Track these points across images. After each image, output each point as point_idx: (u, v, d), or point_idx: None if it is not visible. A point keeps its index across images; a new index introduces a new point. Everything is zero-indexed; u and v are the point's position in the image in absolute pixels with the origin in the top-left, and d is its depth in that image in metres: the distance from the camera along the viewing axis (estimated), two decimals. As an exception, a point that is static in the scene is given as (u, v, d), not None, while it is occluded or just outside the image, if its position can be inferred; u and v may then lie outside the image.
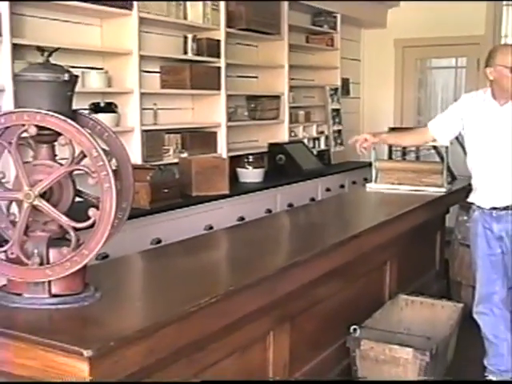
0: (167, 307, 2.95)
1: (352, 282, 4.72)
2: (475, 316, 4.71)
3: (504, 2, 9.43)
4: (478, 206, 4.60)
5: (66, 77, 2.69)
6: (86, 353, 2.29)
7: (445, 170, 6.06)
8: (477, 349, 4.77)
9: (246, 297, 3.23)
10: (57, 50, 2.93)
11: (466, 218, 6.01)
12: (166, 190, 5.49)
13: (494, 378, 4.67)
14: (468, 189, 4.89)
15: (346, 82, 9.77)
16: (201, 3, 6.51)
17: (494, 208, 4.48)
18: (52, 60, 2.89)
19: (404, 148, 8.16)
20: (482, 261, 4.62)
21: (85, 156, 2.64)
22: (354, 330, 4.44)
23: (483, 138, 4.52)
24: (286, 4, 7.72)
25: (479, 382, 4.61)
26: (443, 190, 6.00)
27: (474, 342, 4.77)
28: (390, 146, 7.85)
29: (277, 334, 3.79)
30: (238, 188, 6.54)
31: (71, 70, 4.95)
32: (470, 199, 4.75)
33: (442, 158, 6.30)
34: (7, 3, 4.67)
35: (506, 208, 4.44)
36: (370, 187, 6.30)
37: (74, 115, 2.72)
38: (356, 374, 4.42)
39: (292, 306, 3.88)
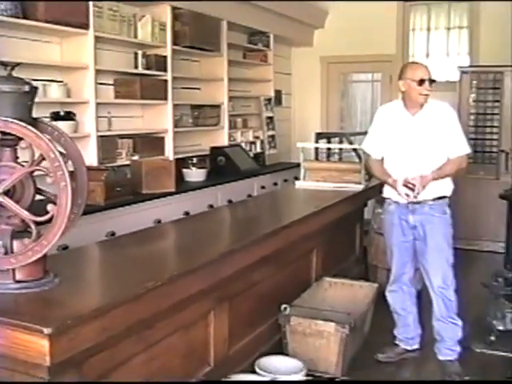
0: (119, 290, 2.94)
1: (283, 267, 4.73)
2: (387, 294, 4.80)
3: (411, 27, 9.61)
4: (395, 201, 4.59)
5: (27, 88, 2.67)
6: (46, 330, 2.29)
7: (362, 170, 6.10)
8: (388, 321, 4.83)
9: (189, 280, 3.23)
10: (18, 64, 2.89)
11: (380, 210, 6.08)
12: (118, 189, 5.42)
13: (402, 345, 4.79)
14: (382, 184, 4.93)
15: (278, 93, 9.75)
16: (150, 24, 6.47)
17: (410, 202, 4.48)
18: (16, 74, 2.86)
19: (329, 149, 8.18)
20: (398, 247, 4.66)
21: (43, 158, 2.62)
22: (285, 308, 4.46)
23: (399, 144, 4.53)
24: (224, 24, 7.69)
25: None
26: (361, 186, 6.06)
27: (386, 316, 4.83)
28: (317, 148, 7.87)
29: (217, 313, 3.80)
30: (183, 186, 6.49)
31: (34, 82, 4.91)
32: (386, 194, 4.73)
33: (360, 159, 6.37)
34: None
35: (420, 202, 4.46)
36: (299, 184, 6.33)
37: (34, 122, 2.70)
38: (287, 346, 4.43)
39: (230, 289, 3.89)
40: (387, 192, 4.72)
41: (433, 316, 4.63)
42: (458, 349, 4.60)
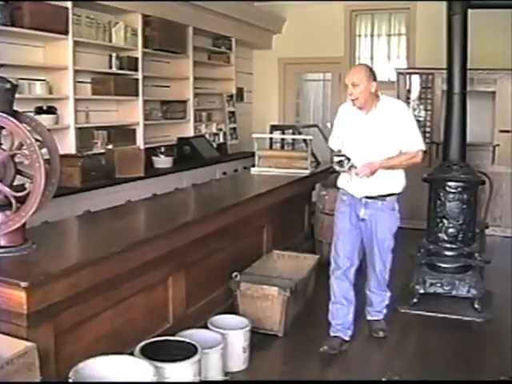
0: (86, 254, 3.18)
1: (236, 240, 4.88)
2: (332, 281, 4.48)
3: (357, 33, 9.83)
4: (350, 194, 4.37)
5: (8, 86, 2.87)
6: (23, 284, 2.53)
7: (309, 157, 6.31)
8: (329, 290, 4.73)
9: (146, 248, 3.44)
10: (2, 66, 3.10)
11: (325, 192, 6.28)
12: (94, 173, 5.60)
13: (340, 335, 4.42)
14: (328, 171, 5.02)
15: (240, 91, 9.90)
16: (123, 30, 6.63)
17: (365, 197, 4.31)
18: (4, 74, 3.06)
19: (283, 140, 8.31)
20: (345, 234, 4.41)
21: (22, 144, 2.84)
22: (236, 275, 4.61)
23: (355, 141, 4.30)
24: (190, 30, 7.86)
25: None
26: (308, 171, 6.27)
27: (327, 283, 4.67)
28: (271, 139, 8.03)
29: (175, 278, 3.98)
30: (152, 172, 6.65)
31: (20, 81, 5.16)
32: (340, 185, 4.48)
33: (307, 147, 6.55)
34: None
35: (374, 197, 4.30)
36: (254, 171, 6.51)
37: (14, 114, 2.90)
38: (238, 308, 4.58)
39: (187, 257, 4.06)
40: (341, 183, 4.47)
41: (366, 286, 4.66)
42: (385, 311, 4.71)
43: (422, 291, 5.17)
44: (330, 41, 9.59)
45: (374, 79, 4.17)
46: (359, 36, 9.85)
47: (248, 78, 10.29)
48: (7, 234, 2.88)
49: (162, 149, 7.23)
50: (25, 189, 2.81)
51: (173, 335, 3.63)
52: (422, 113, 8.41)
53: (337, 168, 4.30)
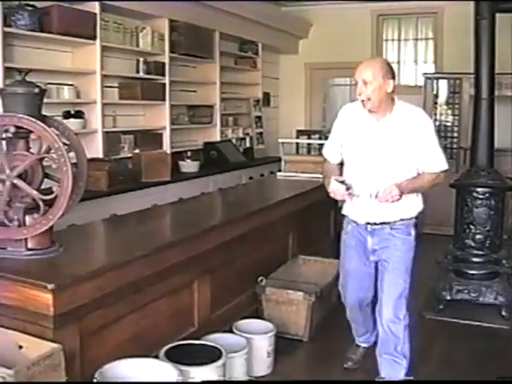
0: (112, 257, 3.21)
1: (262, 244, 4.84)
2: (347, 312, 4.06)
3: (384, 37, 9.80)
4: (353, 220, 3.70)
5: (37, 90, 2.91)
6: (50, 286, 2.56)
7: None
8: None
9: (171, 252, 3.46)
10: (31, 70, 3.14)
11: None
12: (120, 177, 5.66)
13: (363, 345, 4.20)
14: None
15: (267, 95, 9.91)
16: (150, 35, 6.68)
17: (369, 223, 3.62)
18: (33, 78, 3.11)
19: (309, 145, 8.26)
20: (353, 274, 3.83)
21: (50, 148, 2.88)
22: (261, 280, 4.60)
23: (360, 152, 3.57)
24: (217, 35, 7.91)
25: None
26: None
27: None
28: (297, 143, 8.03)
29: (200, 282, 3.96)
30: (178, 176, 6.67)
31: (49, 86, 5.23)
32: (344, 211, 3.81)
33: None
34: (0, 38, 4.87)
35: (381, 223, 3.60)
36: (280, 175, 6.51)
37: (42, 118, 2.94)
38: (263, 312, 4.58)
39: (212, 262, 4.04)
40: (346, 209, 3.80)
41: (376, 349, 3.86)
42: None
43: (448, 298, 5.13)
44: (357, 45, 9.53)
45: (392, 77, 3.44)
46: (386, 40, 9.82)
47: (274, 83, 10.30)
48: (35, 236, 2.91)
49: (189, 153, 7.26)
50: (52, 192, 2.85)
51: (198, 339, 3.63)
52: (450, 118, 8.36)
53: (332, 195, 3.60)
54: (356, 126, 3.59)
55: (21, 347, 2.74)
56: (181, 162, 7.14)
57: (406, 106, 3.54)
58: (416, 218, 3.70)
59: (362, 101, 3.45)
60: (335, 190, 3.52)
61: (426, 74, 8.62)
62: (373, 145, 3.51)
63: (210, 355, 3.34)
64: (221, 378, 3.28)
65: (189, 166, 7.12)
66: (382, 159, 3.50)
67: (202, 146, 7.85)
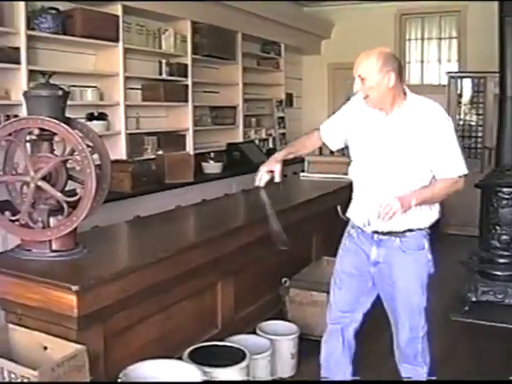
0: (136, 259, 3.22)
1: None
2: (322, 344, 3.53)
3: (407, 37, 9.73)
4: (358, 226, 3.23)
5: (60, 93, 2.93)
6: (74, 288, 2.57)
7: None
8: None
9: (194, 253, 3.45)
10: (54, 73, 3.16)
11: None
12: (144, 179, 5.66)
13: None
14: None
15: (290, 96, 9.91)
16: (172, 36, 6.69)
17: (376, 232, 3.14)
18: (57, 81, 3.13)
19: None
20: (341, 281, 3.34)
21: (74, 150, 2.89)
22: (285, 281, 4.57)
23: (367, 149, 3.14)
24: (239, 36, 7.92)
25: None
26: (357, 177, 6.16)
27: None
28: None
29: (223, 283, 3.96)
30: (201, 177, 6.67)
31: (72, 88, 5.27)
32: (349, 215, 3.32)
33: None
34: (24, 41, 4.92)
35: (389, 233, 3.11)
36: (303, 176, 6.50)
37: (66, 120, 2.96)
38: (286, 314, 4.55)
39: (235, 264, 4.03)
40: (350, 213, 3.31)
41: (395, 355, 3.39)
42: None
43: (473, 299, 5.09)
44: (380, 45, 8.99)
45: (396, 69, 2.98)
46: (409, 40, 9.75)
47: (297, 84, 10.29)
48: (59, 238, 2.93)
49: (212, 154, 7.26)
50: (76, 194, 2.86)
51: (221, 340, 3.63)
52: (474, 117, 8.31)
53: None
54: (364, 117, 3.17)
55: (45, 348, 2.76)
56: (204, 164, 7.14)
57: (420, 100, 3.09)
58: (430, 227, 3.21)
59: (363, 98, 3.08)
60: (259, 177, 3.39)
61: (449, 73, 8.56)
62: (380, 142, 3.08)
63: (234, 357, 3.34)
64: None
65: (212, 167, 7.12)
66: (389, 158, 3.05)
67: (225, 147, 7.85)
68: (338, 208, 3.71)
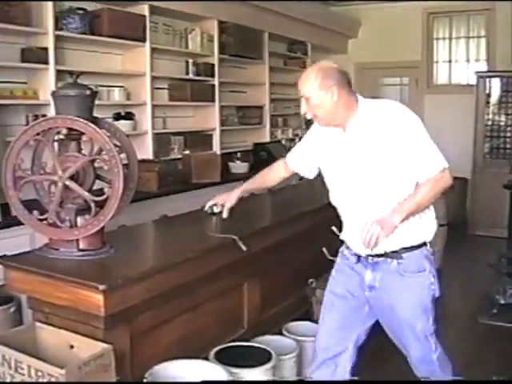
0: (162, 258, 3.21)
1: (313, 246, 4.73)
2: (310, 376, 3.16)
3: (435, 36, 9.64)
4: (353, 250, 2.96)
5: (88, 92, 2.93)
6: (101, 287, 2.57)
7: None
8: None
9: (219, 254, 3.43)
10: (82, 73, 3.18)
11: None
12: (171, 178, 5.69)
13: None
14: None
15: (316, 96, 9.88)
16: (199, 36, 6.70)
17: (370, 255, 2.86)
18: (84, 81, 3.14)
19: None
20: (330, 306, 3.10)
21: (102, 150, 2.90)
22: (311, 282, 4.55)
23: (336, 172, 2.93)
24: (266, 35, 7.91)
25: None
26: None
27: None
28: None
29: (250, 284, 3.93)
30: (228, 177, 6.68)
31: (99, 88, 5.31)
32: (342, 236, 3.07)
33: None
34: (52, 41, 4.96)
35: (384, 254, 2.84)
36: None
37: (94, 120, 2.96)
38: (313, 314, 4.48)
39: (262, 263, 3.99)
40: (344, 235, 3.07)
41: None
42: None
43: (502, 301, 5.04)
44: (407, 44, 9.46)
45: (339, 82, 2.77)
46: (437, 39, 9.67)
47: (324, 83, 10.22)
48: (86, 237, 2.93)
49: (239, 154, 7.29)
50: (104, 193, 2.86)
51: (247, 341, 3.62)
52: (503, 117, 8.23)
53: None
54: (326, 140, 2.98)
55: (72, 347, 2.77)
56: (230, 163, 7.16)
57: (374, 104, 2.82)
58: (429, 243, 2.92)
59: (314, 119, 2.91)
60: (210, 204, 3.58)
61: (478, 72, 8.48)
62: (345, 160, 2.85)
63: (260, 357, 3.32)
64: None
65: (238, 166, 7.13)
66: (360, 175, 2.79)
67: (252, 147, 7.85)
68: (334, 228, 3.54)
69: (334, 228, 3.49)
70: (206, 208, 3.53)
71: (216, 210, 3.51)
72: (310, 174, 3.31)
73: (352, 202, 2.87)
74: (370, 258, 2.87)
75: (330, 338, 3.05)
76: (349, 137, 2.83)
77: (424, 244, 2.88)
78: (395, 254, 2.82)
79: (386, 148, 2.72)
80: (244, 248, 3.41)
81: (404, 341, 2.98)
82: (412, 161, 2.72)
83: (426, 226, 2.89)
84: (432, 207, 2.89)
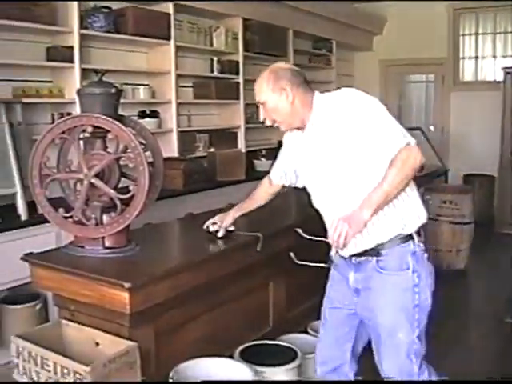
0: (187, 256, 3.21)
1: None
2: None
3: (461, 32, 9.55)
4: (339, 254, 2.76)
5: (113, 90, 2.94)
6: (127, 285, 2.57)
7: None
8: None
9: (248, 251, 3.43)
10: (107, 71, 3.18)
11: (429, 197, 6.15)
12: (196, 176, 5.69)
13: None
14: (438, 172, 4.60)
15: (341, 93, 9.84)
16: (223, 34, 6.70)
17: (353, 255, 2.67)
18: (109, 79, 3.15)
19: None
20: (324, 319, 2.97)
21: (127, 148, 2.90)
22: None
23: (307, 175, 2.84)
24: (291, 33, 7.88)
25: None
26: (410, 175, 6.06)
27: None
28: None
29: (276, 282, 3.92)
30: (253, 174, 6.65)
31: (124, 86, 5.33)
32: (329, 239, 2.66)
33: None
34: (77, 40, 4.98)
35: (365, 253, 2.62)
36: None
37: (119, 117, 2.97)
38: None
39: (288, 261, 3.86)
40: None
41: None
42: None
43: (529, 301, 4.97)
44: (433, 41, 9.39)
45: (293, 82, 2.73)
46: (463, 35, 9.58)
47: (349, 81, 10.16)
48: (112, 235, 2.94)
49: (263, 152, 7.26)
50: (129, 191, 2.86)
51: (272, 339, 3.60)
52: (530, 113, 8.11)
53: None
54: (295, 146, 2.91)
55: (97, 344, 2.78)
56: (256, 161, 7.15)
57: (327, 96, 2.72)
58: (419, 238, 2.62)
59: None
60: (208, 223, 3.42)
61: (505, 68, 8.37)
62: (311, 161, 2.76)
63: (285, 356, 3.31)
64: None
65: (264, 164, 7.08)
66: (328, 173, 2.65)
67: (277, 145, 7.79)
68: (299, 230, 3.57)
69: (298, 230, 3.49)
70: (205, 226, 3.44)
71: (212, 228, 3.44)
72: (297, 183, 3.11)
73: (328, 200, 2.71)
74: (354, 258, 2.67)
75: (327, 352, 2.96)
76: (308, 136, 2.73)
77: (410, 238, 2.59)
78: (373, 252, 2.60)
79: (345, 137, 2.55)
80: (258, 248, 3.40)
81: (381, 351, 2.70)
82: (373, 142, 2.50)
83: (404, 216, 2.59)
84: (413, 193, 2.65)
